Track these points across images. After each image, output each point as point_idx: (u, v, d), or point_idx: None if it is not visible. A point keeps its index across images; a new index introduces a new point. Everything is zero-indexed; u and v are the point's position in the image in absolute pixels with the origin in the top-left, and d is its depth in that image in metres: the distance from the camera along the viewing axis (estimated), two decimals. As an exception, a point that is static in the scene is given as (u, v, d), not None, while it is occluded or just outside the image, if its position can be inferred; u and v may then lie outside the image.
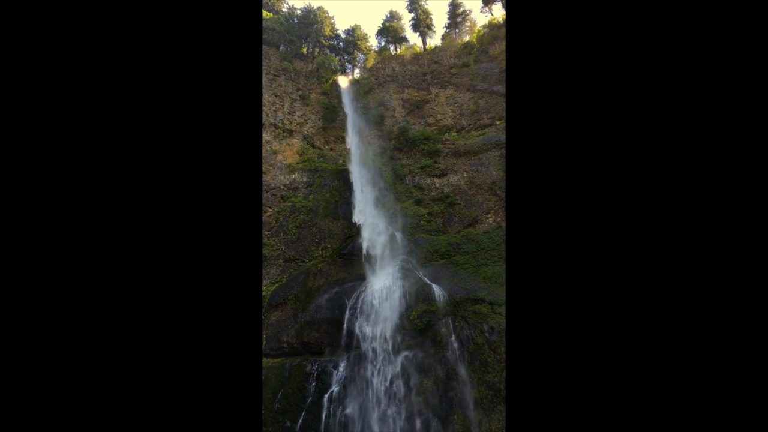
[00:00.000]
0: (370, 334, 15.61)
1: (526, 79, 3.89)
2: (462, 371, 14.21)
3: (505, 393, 13.66)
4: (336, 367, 15.20)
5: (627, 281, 3.42)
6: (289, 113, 27.95)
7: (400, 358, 14.95)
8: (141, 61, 3.55)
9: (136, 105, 3.51)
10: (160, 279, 3.43)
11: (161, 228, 3.49)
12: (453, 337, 15.04)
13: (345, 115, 28.73)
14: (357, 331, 15.78)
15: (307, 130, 27.98)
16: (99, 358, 3.25)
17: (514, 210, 3.84)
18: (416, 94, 29.81)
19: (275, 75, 29.05)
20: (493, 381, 13.99)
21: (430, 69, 30.85)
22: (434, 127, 27.65)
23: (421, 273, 17.72)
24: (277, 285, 18.36)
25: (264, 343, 16.42)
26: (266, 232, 20.76)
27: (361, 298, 16.61)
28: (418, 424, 13.53)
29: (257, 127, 4.14)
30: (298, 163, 25.01)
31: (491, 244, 19.43)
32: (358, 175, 24.03)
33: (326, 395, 14.39)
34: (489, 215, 21.54)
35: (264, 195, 22.22)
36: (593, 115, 3.64)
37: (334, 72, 32.13)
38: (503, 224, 20.46)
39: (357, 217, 21.46)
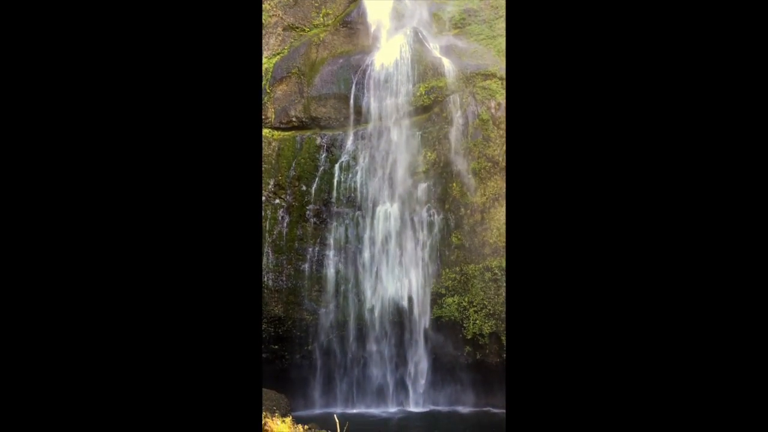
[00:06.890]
0: (377, 109, 15.89)
1: None
2: (465, 145, 15.13)
3: (500, 164, 14.86)
4: (345, 140, 16.08)
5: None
6: None
7: (405, 132, 15.70)
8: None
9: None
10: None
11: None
12: (459, 113, 15.38)
13: None
14: (364, 106, 16.02)
15: None
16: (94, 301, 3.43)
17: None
18: None
19: None
20: (493, 154, 15.06)
21: None
22: None
23: (430, 45, 16.61)
24: (278, 57, 17.46)
25: (273, 117, 16.81)
26: (258, -6, 18.37)
27: (367, 73, 16.16)
28: (419, 189, 15.30)
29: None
30: None
31: (511, 12, 17.48)
32: None
33: (337, 164, 15.80)
34: (514, -26, 18.52)
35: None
36: None
37: None
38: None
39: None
